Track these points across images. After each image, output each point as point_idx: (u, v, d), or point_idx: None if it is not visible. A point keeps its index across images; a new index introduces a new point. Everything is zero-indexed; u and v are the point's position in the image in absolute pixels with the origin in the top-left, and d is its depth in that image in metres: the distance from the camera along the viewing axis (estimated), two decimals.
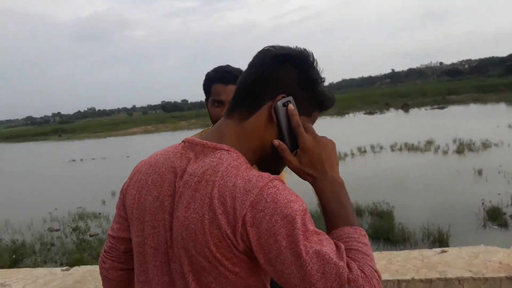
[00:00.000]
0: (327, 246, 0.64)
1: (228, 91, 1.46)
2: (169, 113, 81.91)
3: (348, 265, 0.64)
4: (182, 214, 0.70)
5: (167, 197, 0.74)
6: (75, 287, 2.34)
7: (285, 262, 0.63)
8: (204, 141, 0.77)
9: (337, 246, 0.66)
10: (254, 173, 0.70)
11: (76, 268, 2.67)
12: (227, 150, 0.74)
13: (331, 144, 0.79)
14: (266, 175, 0.70)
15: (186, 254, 0.71)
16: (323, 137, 0.80)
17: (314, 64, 0.80)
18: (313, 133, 0.79)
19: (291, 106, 0.76)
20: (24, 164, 29.02)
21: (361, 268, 0.64)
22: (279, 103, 0.76)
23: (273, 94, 0.76)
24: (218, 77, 1.52)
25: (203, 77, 1.63)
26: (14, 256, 7.95)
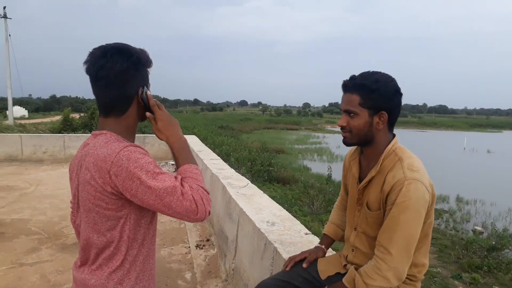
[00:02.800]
0: (168, 178, 1.06)
1: (344, 100, 1.44)
2: None
3: (181, 184, 1.07)
4: (80, 177, 1.15)
5: (75, 170, 1.20)
6: None
7: (143, 193, 1.05)
8: (94, 132, 1.20)
9: (176, 177, 1.09)
10: (116, 144, 1.09)
11: None
12: (104, 134, 1.16)
13: (174, 118, 1.21)
14: (124, 144, 1.09)
15: (81, 201, 1.16)
16: (168, 112, 1.20)
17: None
18: (163, 109, 1.20)
19: (149, 93, 1.18)
20: None
21: (189, 184, 1.09)
22: (144, 94, 1.17)
23: (136, 91, 1.17)
24: (342, 85, 1.45)
25: None
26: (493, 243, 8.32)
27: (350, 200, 1.59)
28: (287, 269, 1.65)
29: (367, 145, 1.47)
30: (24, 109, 48.53)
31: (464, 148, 35.77)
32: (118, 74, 1.13)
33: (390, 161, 1.40)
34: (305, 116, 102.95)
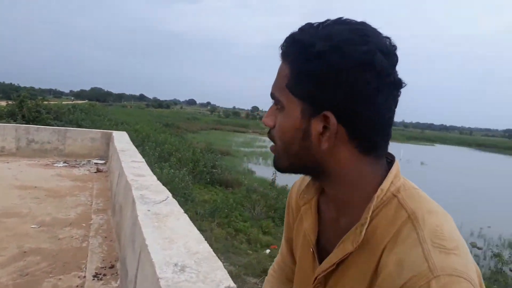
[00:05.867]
0: None
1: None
2: None
3: None
4: None
5: None
6: None
7: None
8: None
9: None
10: None
11: None
12: None
13: None
14: None
15: None
16: None
17: None
18: None
19: None
20: (481, 171, 32.46)
21: None
22: None
23: None
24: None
25: None
26: None
27: (301, 276, 0.81)
28: None
29: (321, 178, 0.73)
30: None
31: (400, 159, 37.04)
32: None
33: (389, 221, 0.64)
34: (253, 119, 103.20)
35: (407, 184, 0.68)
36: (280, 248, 0.96)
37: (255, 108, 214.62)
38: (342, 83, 0.61)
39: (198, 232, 2.21)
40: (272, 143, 0.73)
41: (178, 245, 1.97)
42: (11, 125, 8.29)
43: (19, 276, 3.02)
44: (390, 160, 0.71)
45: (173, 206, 2.76)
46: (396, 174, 0.67)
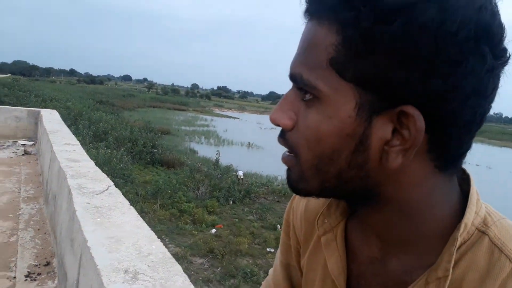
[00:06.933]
0: None
1: (300, 44, 0.62)
2: None
3: None
4: None
5: None
6: None
7: None
8: None
9: None
10: None
11: None
12: None
13: None
14: None
15: None
16: None
17: None
18: None
19: None
20: None
21: None
22: None
23: None
24: None
25: None
26: None
27: None
28: None
29: (366, 203, 0.50)
30: None
31: None
32: None
33: (483, 274, 0.43)
34: (193, 97, 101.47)
35: (492, 212, 0.47)
36: (271, 272, 0.76)
37: (194, 86, 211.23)
38: (441, 60, 0.38)
39: (148, 228, 1.98)
40: (282, 149, 0.48)
41: (127, 245, 1.74)
42: None
43: None
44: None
45: (117, 197, 2.48)
46: (478, 199, 0.47)
